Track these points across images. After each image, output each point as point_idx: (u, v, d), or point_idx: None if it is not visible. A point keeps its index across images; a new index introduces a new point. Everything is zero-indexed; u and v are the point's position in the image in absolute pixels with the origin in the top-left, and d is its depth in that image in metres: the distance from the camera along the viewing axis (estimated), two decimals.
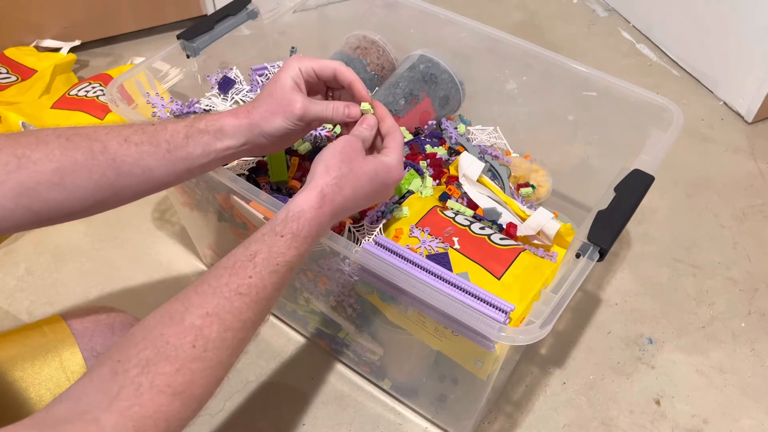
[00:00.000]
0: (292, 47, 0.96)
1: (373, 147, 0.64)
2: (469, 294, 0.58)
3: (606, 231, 0.60)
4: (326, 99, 0.66)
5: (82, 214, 0.53)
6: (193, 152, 0.56)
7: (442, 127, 0.90)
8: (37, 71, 1.27)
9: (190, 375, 0.43)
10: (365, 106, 0.62)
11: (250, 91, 0.86)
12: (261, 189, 0.72)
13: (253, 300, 0.47)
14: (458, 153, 0.84)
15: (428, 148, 0.85)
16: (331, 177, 0.54)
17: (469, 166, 0.76)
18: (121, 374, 0.41)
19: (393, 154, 0.59)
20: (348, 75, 0.61)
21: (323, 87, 0.64)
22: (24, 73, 1.28)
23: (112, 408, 0.39)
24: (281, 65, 0.75)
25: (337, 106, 0.61)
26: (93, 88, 1.23)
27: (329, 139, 0.80)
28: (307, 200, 0.52)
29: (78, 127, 0.53)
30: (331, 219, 0.55)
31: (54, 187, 0.50)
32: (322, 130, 0.81)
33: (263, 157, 0.80)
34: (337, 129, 0.82)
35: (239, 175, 0.76)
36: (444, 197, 0.76)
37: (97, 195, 0.53)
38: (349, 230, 0.71)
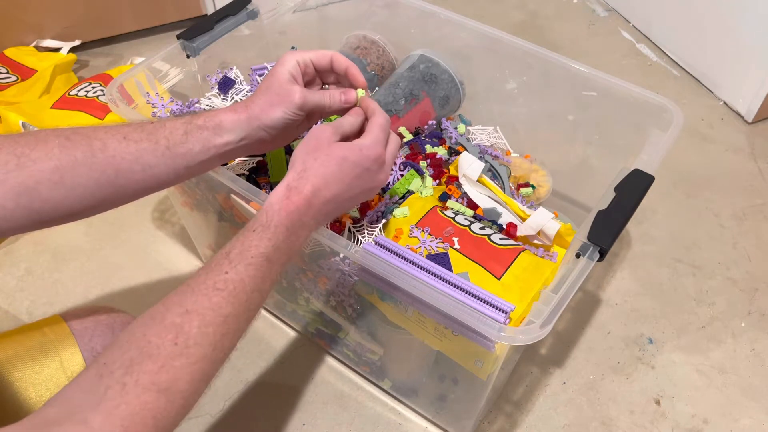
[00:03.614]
0: (292, 47, 0.96)
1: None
2: (469, 294, 0.58)
3: (606, 231, 0.60)
4: None
5: (83, 213, 0.53)
6: (192, 149, 0.56)
7: (442, 127, 0.90)
8: (37, 71, 1.27)
9: (173, 371, 0.43)
10: (360, 92, 0.62)
11: (250, 91, 0.86)
12: (261, 189, 0.72)
13: (231, 294, 0.48)
14: (458, 153, 0.84)
15: (428, 148, 0.85)
16: (296, 171, 0.55)
17: (469, 166, 0.76)
18: (106, 376, 0.42)
19: (367, 134, 0.58)
20: (343, 61, 0.61)
21: (319, 82, 0.65)
22: (24, 73, 1.28)
23: (99, 408, 0.40)
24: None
25: (333, 93, 0.61)
26: (93, 88, 1.23)
27: None
28: (275, 195, 0.54)
29: (77, 127, 0.53)
30: (307, 209, 0.54)
31: (54, 186, 0.50)
32: None
33: (263, 156, 0.80)
34: None
35: (239, 175, 0.76)
36: (444, 197, 0.76)
37: (98, 193, 0.53)
38: (349, 230, 0.71)
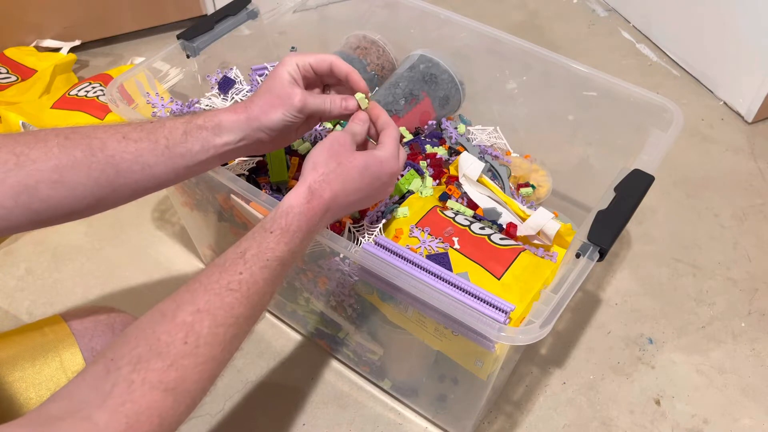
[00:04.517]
0: (292, 47, 0.96)
1: (367, 144, 0.64)
2: (469, 294, 0.58)
3: (606, 231, 0.60)
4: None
5: (83, 213, 0.53)
6: (192, 148, 0.56)
7: (442, 127, 0.90)
8: (37, 71, 1.27)
9: (182, 371, 0.43)
10: (360, 96, 0.62)
11: (250, 91, 0.86)
12: (261, 189, 0.72)
13: (244, 296, 0.47)
14: (458, 153, 0.84)
15: (428, 148, 0.85)
16: (318, 173, 0.54)
17: (469, 166, 0.76)
18: (113, 372, 0.41)
19: (385, 147, 0.59)
20: (343, 67, 0.61)
21: (320, 83, 0.65)
22: (24, 73, 1.28)
23: (104, 405, 0.39)
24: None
25: (334, 98, 0.62)
26: (93, 88, 1.23)
27: None
28: (295, 197, 0.53)
29: (76, 127, 0.53)
30: (324, 214, 0.55)
31: (53, 185, 0.50)
32: (322, 129, 0.81)
33: (263, 157, 0.80)
34: (338, 129, 0.82)
35: (239, 175, 0.76)
36: (444, 197, 0.76)
37: (97, 193, 0.53)
38: (349, 230, 0.71)
